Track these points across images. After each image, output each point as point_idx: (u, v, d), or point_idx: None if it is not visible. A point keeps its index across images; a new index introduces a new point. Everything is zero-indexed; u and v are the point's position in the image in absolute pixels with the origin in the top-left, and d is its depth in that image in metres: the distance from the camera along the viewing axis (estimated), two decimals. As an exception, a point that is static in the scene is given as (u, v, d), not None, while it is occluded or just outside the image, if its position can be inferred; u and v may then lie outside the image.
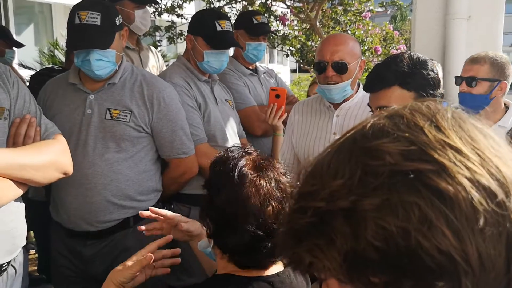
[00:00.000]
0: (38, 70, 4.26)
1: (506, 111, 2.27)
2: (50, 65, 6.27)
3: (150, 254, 1.32)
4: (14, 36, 4.18)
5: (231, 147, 1.23)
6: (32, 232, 3.93)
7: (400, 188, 0.45)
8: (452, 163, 0.46)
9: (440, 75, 1.67)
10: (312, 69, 6.23)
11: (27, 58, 6.96)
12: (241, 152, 1.17)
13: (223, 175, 1.13)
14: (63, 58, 6.86)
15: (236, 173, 1.11)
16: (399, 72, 1.58)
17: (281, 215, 1.10)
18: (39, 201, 2.63)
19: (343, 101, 2.14)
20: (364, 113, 2.09)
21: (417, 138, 0.48)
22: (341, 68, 2.01)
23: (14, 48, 3.83)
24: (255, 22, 2.80)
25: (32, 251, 4.09)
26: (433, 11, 3.30)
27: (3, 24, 8.34)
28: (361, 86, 2.19)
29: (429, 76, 1.58)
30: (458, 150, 0.47)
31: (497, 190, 0.45)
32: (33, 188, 2.00)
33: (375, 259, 0.45)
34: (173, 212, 2.28)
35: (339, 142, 0.53)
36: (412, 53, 1.64)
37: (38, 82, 2.39)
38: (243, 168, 1.12)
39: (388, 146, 0.48)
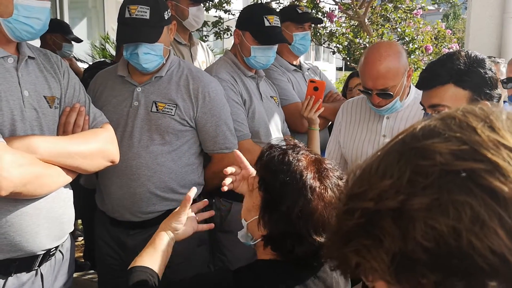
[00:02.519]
0: (90, 64, 4.38)
1: None
2: (102, 59, 6.46)
3: (189, 195, 1.41)
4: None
5: (276, 141, 1.23)
6: (79, 219, 4.07)
7: (451, 187, 0.44)
8: (506, 162, 0.44)
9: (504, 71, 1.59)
10: (358, 67, 6.12)
11: (79, 52, 7.20)
12: (296, 152, 1.17)
13: (290, 186, 1.13)
14: (113, 52, 7.05)
15: (306, 187, 1.11)
16: (454, 70, 1.51)
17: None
18: (89, 189, 2.71)
19: None
20: (415, 116, 2.02)
21: (469, 138, 0.46)
22: (386, 95, 1.96)
23: (73, 42, 3.95)
24: (300, 12, 2.82)
25: (80, 238, 4.24)
26: (490, 8, 3.17)
27: (58, 18, 8.66)
28: (412, 89, 2.12)
29: (486, 75, 1.50)
30: None
31: None
32: (85, 177, 2.06)
33: (424, 260, 0.45)
34: (214, 208, 2.30)
35: (388, 145, 0.53)
36: (469, 51, 1.57)
37: (90, 75, 2.46)
38: (311, 181, 1.12)
39: (438, 146, 0.47)
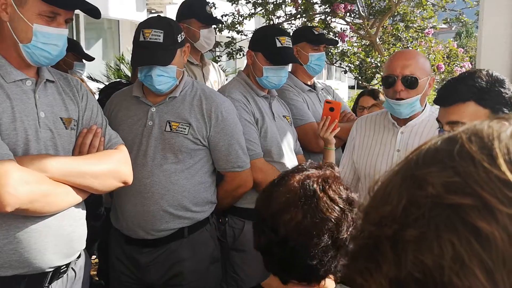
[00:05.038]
0: (106, 84, 4.44)
1: None
2: (117, 79, 6.57)
3: None
4: (84, 50, 4.36)
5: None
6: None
7: (438, 222, 0.44)
8: (495, 198, 0.42)
9: None
10: (370, 87, 6.13)
11: (95, 71, 7.34)
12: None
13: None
14: (128, 72, 7.17)
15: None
16: (476, 87, 1.51)
17: (302, 226, 1.10)
18: (105, 207, 2.73)
19: (409, 119, 2.09)
20: (430, 131, 2.03)
21: (464, 168, 0.45)
22: (411, 83, 1.96)
23: (84, 61, 4.00)
24: (316, 33, 2.87)
25: (93, 256, 4.25)
26: (502, 27, 3.17)
27: (75, 39, 8.85)
28: (427, 106, 2.13)
29: (506, 95, 1.50)
30: (506, 183, 0.43)
31: None
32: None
33: None
34: (227, 227, 2.31)
35: (401, 163, 0.52)
36: (489, 71, 1.57)
37: (106, 95, 2.51)
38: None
39: (433, 176, 0.46)
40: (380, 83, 6.30)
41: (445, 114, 1.59)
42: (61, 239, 1.56)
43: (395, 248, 0.46)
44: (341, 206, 1.12)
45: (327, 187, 1.14)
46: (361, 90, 3.84)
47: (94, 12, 1.61)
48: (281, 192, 1.15)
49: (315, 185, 1.13)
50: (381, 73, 5.63)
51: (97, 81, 6.84)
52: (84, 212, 1.69)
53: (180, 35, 1.99)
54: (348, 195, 1.16)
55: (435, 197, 0.45)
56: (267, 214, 1.16)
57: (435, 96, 1.71)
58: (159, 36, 1.91)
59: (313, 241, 1.09)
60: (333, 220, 1.10)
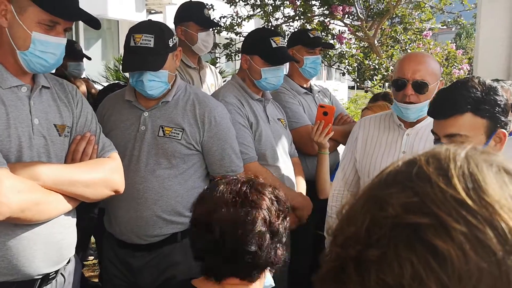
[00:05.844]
0: (105, 85, 4.41)
1: None
2: (116, 81, 6.56)
3: None
4: (83, 51, 4.32)
5: None
6: (92, 238, 4.09)
7: (398, 242, 0.45)
8: (450, 217, 0.44)
9: None
10: (368, 88, 6.12)
11: (93, 72, 7.33)
12: None
13: None
14: (127, 73, 7.15)
15: None
16: (472, 98, 1.48)
17: (236, 217, 1.22)
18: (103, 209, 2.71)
19: (416, 121, 2.09)
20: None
21: (422, 189, 0.46)
22: (421, 88, 1.96)
23: (85, 60, 3.94)
24: (312, 36, 2.87)
25: (91, 257, 4.25)
26: (499, 30, 3.18)
27: (74, 39, 8.83)
28: None
29: (501, 103, 1.48)
30: (461, 203, 0.45)
31: (496, 248, 0.43)
32: None
33: None
34: None
35: (367, 185, 0.53)
36: (481, 78, 1.55)
37: (103, 97, 2.50)
38: None
39: (393, 197, 0.47)
40: (379, 84, 6.31)
41: (442, 127, 1.55)
42: (51, 247, 1.55)
43: (359, 268, 0.47)
44: (269, 197, 1.25)
45: (252, 183, 1.28)
46: (362, 91, 3.83)
47: (94, 23, 1.61)
48: (210, 194, 1.27)
49: (241, 184, 1.27)
50: (379, 75, 5.63)
51: (95, 82, 6.83)
52: (75, 219, 1.68)
53: (171, 39, 1.98)
54: (274, 191, 1.29)
55: (395, 217, 0.46)
56: (199, 218, 1.27)
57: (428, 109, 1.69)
58: (150, 41, 1.90)
59: (248, 228, 1.19)
60: (263, 207, 1.22)
